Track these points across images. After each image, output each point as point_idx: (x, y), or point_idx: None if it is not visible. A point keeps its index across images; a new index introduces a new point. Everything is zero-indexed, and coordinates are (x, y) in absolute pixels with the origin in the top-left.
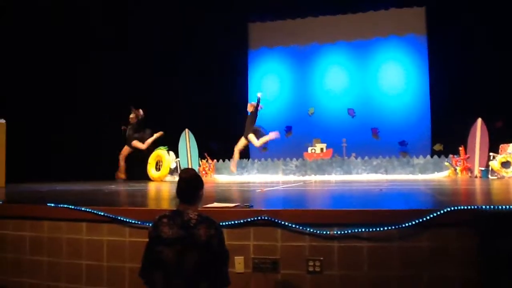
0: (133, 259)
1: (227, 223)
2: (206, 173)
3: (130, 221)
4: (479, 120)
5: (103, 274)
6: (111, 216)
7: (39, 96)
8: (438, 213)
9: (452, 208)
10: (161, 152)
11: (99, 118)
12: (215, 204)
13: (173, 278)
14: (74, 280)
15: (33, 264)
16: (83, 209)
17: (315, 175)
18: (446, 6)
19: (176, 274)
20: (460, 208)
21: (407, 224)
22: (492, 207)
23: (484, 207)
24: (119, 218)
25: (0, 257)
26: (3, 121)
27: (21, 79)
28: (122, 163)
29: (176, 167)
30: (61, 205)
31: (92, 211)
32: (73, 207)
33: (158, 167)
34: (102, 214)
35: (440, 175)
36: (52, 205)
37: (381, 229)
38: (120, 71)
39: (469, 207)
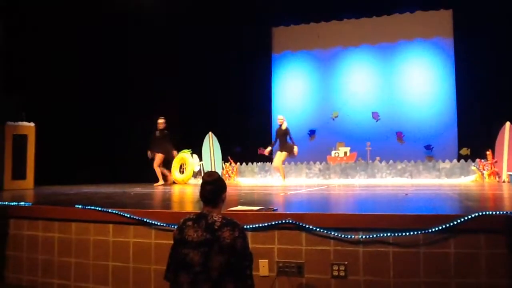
0: (159, 261)
1: (251, 226)
2: (229, 176)
3: (156, 223)
4: (507, 124)
5: (129, 275)
6: (137, 218)
7: (68, 99)
8: (466, 218)
9: (480, 214)
10: (185, 155)
11: (126, 120)
12: (240, 207)
13: (199, 280)
14: (101, 281)
15: (62, 265)
16: (109, 211)
17: (338, 178)
18: (473, 9)
19: (201, 277)
20: (489, 214)
21: (433, 230)
22: None
23: None
24: (145, 220)
25: (31, 258)
26: (32, 124)
27: (50, 82)
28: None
29: (200, 170)
30: (89, 207)
31: (119, 213)
32: (100, 209)
33: (182, 170)
34: (128, 216)
35: (467, 179)
36: (80, 207)
37: (407, 234)
38: (144, 75)
39: (497, 212)
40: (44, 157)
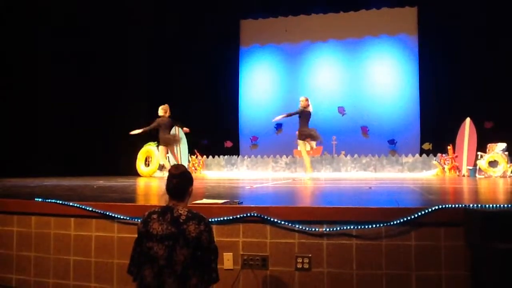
0: (122, 255)
1: (216, 219)
2: (195, 169)
3: (119, 216)
4: (468, 120)
5: (91, 270)
6: (99, 211)
7: (28, 92)
8: (426, 211)
9: (440, 207)
10: (151, 148)
11: (93, 114)
12: (205, 201)
13: (163, 274)
14: (62, 276)
15: (20, 260)
16: (71, 204)
17: (304, 172)
18: (437, 7)
19: (166, 270)
20: (448, 207)
21: (395, 222)
22: (480, 206)
23: (472, 206)
24: (107, 213)
25: None
26: None
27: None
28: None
29: None
30: (49, 200)
31: (80, 206)
32: (61, 202)
33: (147, 163)
34: (90, 209)
35: (429, 173)
36: (40, 200)
37: (370, 226)
38: (112, 70)
39: (457, 205)
40: (6, 149)
